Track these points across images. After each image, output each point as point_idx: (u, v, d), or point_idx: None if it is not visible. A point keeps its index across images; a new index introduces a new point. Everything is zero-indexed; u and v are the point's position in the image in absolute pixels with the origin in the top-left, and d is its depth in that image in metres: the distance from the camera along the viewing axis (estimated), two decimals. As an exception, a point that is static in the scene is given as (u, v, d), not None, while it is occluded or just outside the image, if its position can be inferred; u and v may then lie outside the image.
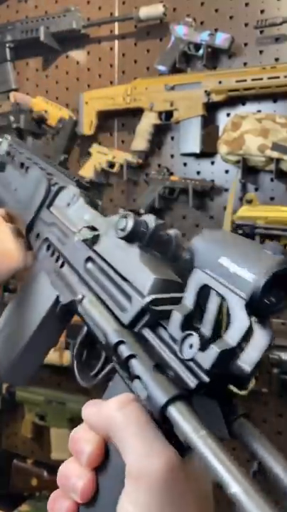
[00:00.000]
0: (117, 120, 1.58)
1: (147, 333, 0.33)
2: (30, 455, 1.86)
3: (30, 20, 1.67)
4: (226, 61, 1.38)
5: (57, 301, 0.45)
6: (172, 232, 0.40)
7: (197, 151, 1.37)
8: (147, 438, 0.28)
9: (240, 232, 1.29)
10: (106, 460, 0.31)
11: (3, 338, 0.53)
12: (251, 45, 1.35)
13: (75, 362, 0.41)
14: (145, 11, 1.43)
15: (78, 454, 0.32)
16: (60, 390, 1.72)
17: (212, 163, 1.43)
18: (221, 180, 1.41)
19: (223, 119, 1.39)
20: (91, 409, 0.33)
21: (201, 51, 1.36)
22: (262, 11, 1.33)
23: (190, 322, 0.30)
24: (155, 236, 0.38)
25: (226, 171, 1.40)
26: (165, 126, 1.47)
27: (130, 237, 0.37)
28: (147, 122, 1.44)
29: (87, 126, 1.56)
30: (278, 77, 1.23)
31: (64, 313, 0.45)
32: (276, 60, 1.31)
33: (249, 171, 1.32)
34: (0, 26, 1.73)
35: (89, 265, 0.42)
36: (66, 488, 0.32)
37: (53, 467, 1.73)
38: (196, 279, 0.30)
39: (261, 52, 1.34)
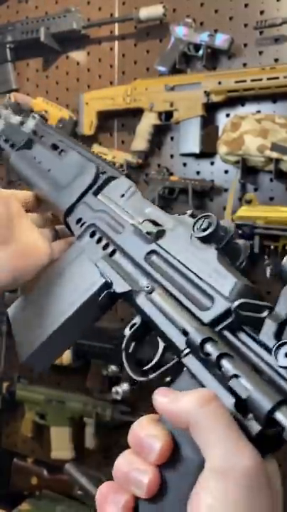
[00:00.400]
0: (117, 120, 1.59)
1: (228, 335, 0.33)
2: (31, 454, 1.87)
3: (30, 21, 1.67)
4: (225, 62, 1.39)
5: (102, 288, 0.44)
6: (241, 242, 0.39)
7: (197, 151, 1.38)
8: (233, 436, 0.29)
9: (240, 232, 1.29)
10: (173, 455, 0.31)
11: (25, 320, 0.52)
12: (251, 45, 1.35)
13: (125, 355, 0.41)
14: (145, 12, 1.44)
15: (144, 449, 0.32)
16: (60, 389, 1.72)
17: (212, 163, 1.43)
18: (221, 180, 1.42)
19: (222, 119, 1.40)
20: (167, 401, 0.32)
21: (201, 52, 1.37)
22: (262, 12, 1.33)
23: (283, 331, 0.30)
24: (231, 243, 0.38)
25: (226, 171, 1.41)
26: (165, 127, 1.47)
27: (208, 238, 0.37)
28: (147, 122, 1.45)
29: (87, 126, 1.56)
30: (277, 78, 1.24)
31: (107, 302, 0.45)
32: (276, 60, 1.32)
33: (249, 171, 1.32)
34: (0, 27, 1.74)
35: (154, 258, 0.41)
36: (126, 482, 0.32)
37: (53, 466, 1.74)
38: None
39: (260, 52, 1.35)
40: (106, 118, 1.58)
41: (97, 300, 0.45)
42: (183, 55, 1.40)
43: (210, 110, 1.39)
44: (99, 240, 0.47)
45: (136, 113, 1.49)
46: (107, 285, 0.44)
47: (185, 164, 1.48)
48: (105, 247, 0.46)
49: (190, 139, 1.38)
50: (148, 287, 0.40)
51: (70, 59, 1.68)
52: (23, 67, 1.79)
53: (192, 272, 0.37)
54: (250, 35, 1.35)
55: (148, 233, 0.42)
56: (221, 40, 1.33)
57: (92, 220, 0.49)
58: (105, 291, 0.44)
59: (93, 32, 1.61)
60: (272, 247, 1.28)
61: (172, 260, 0.39)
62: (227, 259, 0.38)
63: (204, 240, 0.37)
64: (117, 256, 0.45)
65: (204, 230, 0.37)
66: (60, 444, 1.68)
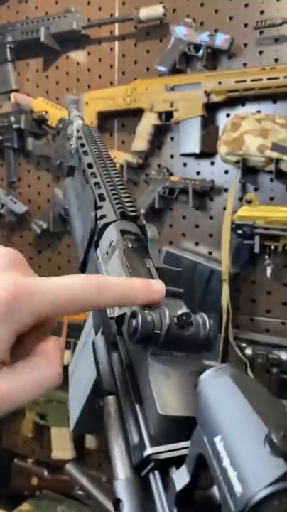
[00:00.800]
0: (117, 120, 1.59)
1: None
2: (31, 454, 1.87)
3: (30, 21, 1.67)
4: (225, 62, 1.39)
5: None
6: (200, 319, 0.31)
7: (197, 151, 1.38)
8: None
9: (239, 232, 1.29)
10: None
11: (74, 382, 0.49)
12: (251, 45, 1.35)
13: None
14: (145, 12, 1.44)
15: None
16: (60, 389, 1.72)
17: (212, 163, 1.43)
18: (221, 180, 1.42)
19: (223, 119, 1.39)
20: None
21: (201, 52, 1.37)
22: (262, 12, 1.33)
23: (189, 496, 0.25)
24: (172, 336, 0.29)
25: (226, 171, 1.41)
26: (165, 127, 1.47)
27: (141, 342, 0.30)
28: (147, 123, 1.45)
29: (87, 126, 1.56)
30: (277, 78, 1.24)
31: None
32: (276, 60, 1.32)
33: (249, 171, 1.32)
34: (0, 27, 1.74)
35: (114, 356, 0.34)
36: None
37: (54, 466, 1.74)
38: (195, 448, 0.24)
39: (260, 52, 1.34)
40: (106, 118, 1.58)
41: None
42: (183, 55, 1.40)
43: (210, 110, 1.39)
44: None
45: (136, 113, 1.48)
46: None
47: (185, 164, 1.48)
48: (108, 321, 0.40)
49: (190, 139, 1.38)
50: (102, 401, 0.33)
51: (70, 59, 1.68)
52: (23, 67, 1.79)
53: (130, 392, 0.30)
54: (250, 35, 1.35)
55: (112, 318, 0.35)
56: (221, 40, 1.33)
57: None
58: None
59: (93, 32, 1.61)
60: (272, 247, 1.28)
61: (125, 366, 0.32)
62: (175, 357, 0.30)
63: (138, 343, 0.30)
64: (102, 338, 0.38)
65: (134, 332, 0.29)
66: (61, 445, 1.68)
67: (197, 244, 1.47)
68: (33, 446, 1.87)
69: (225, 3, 1.38)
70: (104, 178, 0.51)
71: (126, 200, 0.47)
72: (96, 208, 0.47)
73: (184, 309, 0.30)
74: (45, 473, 1.78)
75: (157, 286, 0.32)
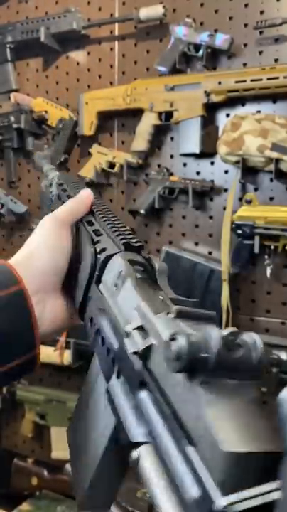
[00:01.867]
0: (117, 120, 1.59)
1: None
2: (31, 454, 1.87)
3: (30, 21, 1.67)
4: (225, 62, 1.39)
5: (116, 430, 0.33)
6: (249, 339, 0.26)
7: (197, 151, 1.38)
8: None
9: (239, 232, 1.29)
10: None
11: (78, 445, 0.41)
12: (251, 45, 1.35)
13: None
14: (145, 12, 1.44)
15: None
16: (60, 389, 1.73)
17: (212, 163, 1.43)
18: (221, 180, 1.42)
19: (223, 119, 1.39)
20: None
21: (201, 52, 1.37)
22: (262, 12, 1.33)
23: None
24: (223, 360, 0.25)
25: (226, 172, 1.41)
26: (165, 127, 1.47)
27: (187, 370, 0.25)
28: (147, 123, 1.45)
29: (87, 126, 1.56)
30: (277, 78, 1.24)
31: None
32: (276, 60, 1.32)
33: (249, 171, 1.32)
34: (0, 27, 1.74)
35: (143, 395, 0.29)
36: None
37: (54, 466, 1.74)
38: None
39: (260, 52, 1.34)
40: (106, 118, 1.58)
41: (118, 444, 0.33)
42: (183, 55, 1.40)
43: (210, 110, 1.39)
44: (107, 352, 0.36)
45: (136, 113, 1.49)
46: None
47: (185, 164, 1.48)
48: (113, 362, 0.35)
49: (190, 139, 1.38)
50: (136, 453, 0.28)
51: (70, 59, 1.68)
52: (23, 67, 1.79)
53: (182, 425, 0.25)
54: (250, 35, 1.35)
55: (135, 352, 0.30)
56: (221, 40, 1.33)
57: (98, 324, 0.39)
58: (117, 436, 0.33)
59: (93, 32, 1.61)
60: (272, 247, 1.29)
61: (160, 400, 0.28)
62: (228, 385, 0.25)
63: (184, 371, 0.25)
64: (120, 382, 0.33)
65: (177, 358, 0.25)
66: (60, 444, 1.68)
67: (196, 244, 1.47)
68: (33, 446, 1.87)
69: (225, 3, 1.38)
70: (96, 215, 0.50)
71: (126, 232, 0.45)
72: (94, 242, 0.45)
73: (230, 328, 0.26)
74: (45, 473, 1.78)
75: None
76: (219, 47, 1.34)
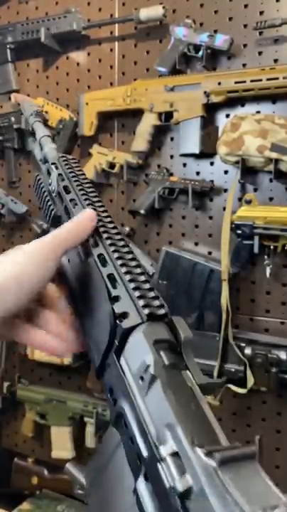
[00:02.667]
0: (117, 121, 1.59)
1: None
2: (31, 454, 1.87)
3: (30, 22, 1.67)
4: (225, 62, 1.39)
5: None
6: None
7: (197, 151, 1.38)
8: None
9: (239, 232, 1.30)
10: None
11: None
12: (251, 46, 1.36)
13: None
14: (145, 13, 1.44)
15: None
16: (61, 389, 1.73)
17: (212, 163, 1.44)
18: (221, 180, 1.42)
19: (222, 120, 1.40)
20: None
21: (200, 52, 1.37)
22: (261, 13, 1.33)
23: None
24: None
25: (226, 172, 1.41)
26: (164, 127, 1.48)
27: None
28: (147, 123, 1.45)
29: (88, 127, 1.57)
30: (277, 79, 1.24)
31: None
32: (275, 61, 1.32)
33: (248, 172, 1.32)
34: (1, 27, 1.74)
35: None
36: None
37: (54, 466, 1.74)
38: None
39: (260, 53, 1.35)
40: (106, 118, 1.58)
41: None
42: (183, 55, 1.40)
43: (210, 111, 1.39)
44: (132, 440, 0.33)
45: (136, 113, 1.49)
46: None
47: (184, 165, 1.48)
48: (139, 458, 0.32)
49: (190, 139, 1.38)
50: None
51: (70, 59, 1.69)
52: (23, 68, 1.79)
53: None
54: (250, 35, 1.35)
55: (173, 488, 0.28)
56: (220, 41, 1.34)
57: (121, 407, 0.35)
58: None
59: (93, 33, 1.61)
60: (272, 247, 1.29)
61: None
62: None
63: None
64: (147, 486, 0.31)
65: None
66: (61, 444, 1.69)
67: (196, 244, 1.47)
68: (33, 445, 1.87)
69: (225, 3, 1.38)
70: (108, 248, 0.41)
71: (146, 287, 0.38)
72: (111, 298, 0.38)
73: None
74: (45, 472, 1.79)
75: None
76: (218, 47, 1.34)
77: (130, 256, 0.41)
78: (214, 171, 1.43)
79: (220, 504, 0.25)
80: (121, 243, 0.42)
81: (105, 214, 0.45)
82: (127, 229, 1.55)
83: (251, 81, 1.27)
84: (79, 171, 0.51)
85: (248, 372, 1.29)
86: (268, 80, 1.25)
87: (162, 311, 0.36)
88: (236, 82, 1.29)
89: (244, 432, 1.42)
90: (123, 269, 0.39)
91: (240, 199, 1.35)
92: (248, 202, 1.29)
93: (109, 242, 0.42)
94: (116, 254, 0.41)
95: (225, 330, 1.32)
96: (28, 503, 1.74)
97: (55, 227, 0.46)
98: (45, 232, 1.71)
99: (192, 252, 1.45)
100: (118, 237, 0.43)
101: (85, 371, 1.60)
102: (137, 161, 1.50)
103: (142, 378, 0.33)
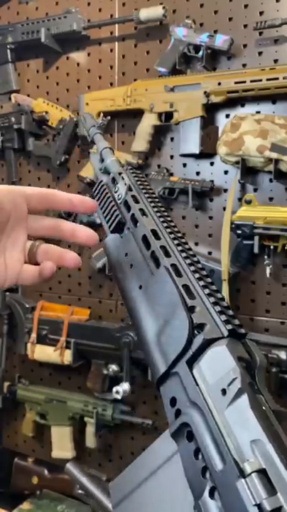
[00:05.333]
0: (117, 121, 1.59)
1: None
2: (31, 454, 1.87)
3: (31, 22, 1.68)
4: (225, 62, 1.39)
5: None
6: None
7: (197, 151, 1.38)
8: None
9: (239, 232, 1.30)
10: None
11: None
12: (251, 46, 1.36)
13: None
14: (145, 13, 1.44)
15: None
16: (61, 389, 1.73)
17: (212, 163, 1.44)
18: (221, 180, 1.42)
19: (222, 120, 1.40)
20: None
21: (200, 52, 1.37)
22: (261, 13, 1.34)
23: None
24: None
25: (226, 172, 1.41)
26: (165, 127, 1.48)
27: None
28: (147, 123, 1.45)
29: (88, 127, 1.57)
30: (277, 79, 1.24)
31: None
32: (275, 61, 1.32)
33: (248, 172, 1.33)
34: (1, 28, 1.75)
35: None
36: None
37: (54, 466, 1.75)
38: None
39: (260, 53, 1.35)
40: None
41: None
42: (183, 55, 1.41)
43: (210, 111, 1.39)
44: (196, 454, 0.32)
45: (136, 114, 1.49)
46: None
47: (184, 165, 1.49)
48: (203, 473, 0.31)
49: (190, 139, 1.39)
50: None
51: (71, 60, 1.69)
52: (23, 68, 1.79)
53: None
54: (250, 35, 1.35)
55: (258, 506, 0.27)
56: (220, 41, 1.34)
57: (188, 418, 0.34)
58: None
59: (93, 33, 1.61)
60: (272, 247, 1.29)
61: None
62: None
63: None
64: (215, 504, 0.30)
65: None
66: (61, 444, 1.69)
67: (196, 244, 1.47)
68: (34, 445, 1.87)
69: (225, 4, 1.38)
70: (183, 260, 0.41)
71: (225, 304, 0.38)
72: (188, 308, 0.37)
73: None
74: (46, 472, 1.79)
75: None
76: (218, 48, 1.34)
77: (204, 272, 0.41)
78: (214, 171, 1.44)
79: None
80: (195, 258, 0.42)
81: (175, 227, 0.45)
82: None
83: (251, 81, 1.27)
84: (147, 184, 0.52)
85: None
86: (268, 80, 1.25)
87: (242, 331, 0.36)
88: (236, 82, 1.29)
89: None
90: (201, 283, 0.39)
91: (240, 199, 1.35)
92: (248, 202, 1.29)
93: (183, 254, 0.42)
94: (192, 268, 0.40)
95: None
96: (28, 503, 1.74)
97: (118, 233, 0.48)
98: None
99: (192, 252, 1.45)
100: (191, 252, 0.43)
101: (85, 371, 1.60)
102: (137, 161, 1.50)
103: (224, 391, 0.32)
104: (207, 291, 0.38)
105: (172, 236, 0.44)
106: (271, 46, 1.33)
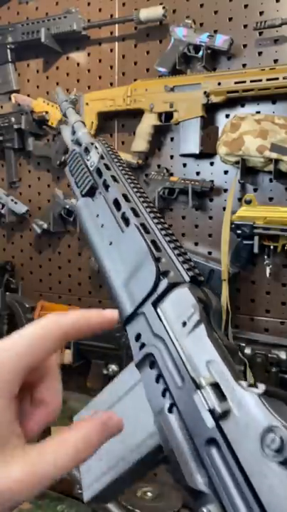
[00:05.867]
0: (117, 121, 1.59)
1: None
2: (31, 454, 1.87)
3: (31, 22, 1.68)
4: (225, 62, 1.39)
5: (156, 451, 0.36)
6: None
7: (197, 151, 1.38)
8: None
9: (239, 232, 1.30)
10: None
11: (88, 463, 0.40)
12: (250, 46, 1.36)
13: None
14: (145, 13, 1.44)
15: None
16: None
17: (212, 163, 1.44)
18: (221, 180, 1.42)
19: (222, 120, 1.40)
20: None
21: (200, 53, 1.37)
22: (261, 13, 1.34)
23: None
24: None
25: (226, 172, 1.42)
26: (164, 127, 1.48)
27: (282, 462, 0.27)
28: (147, 123, 1.45)
29: (88, 127, 1.56)
30: (277, 79, 1.24)
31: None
32: (275, 61, 1.32)
33: (248, 172, 1.33)
34: (1, 28, 1.75)
35: (213, 451, 0.31)
36: None
37: (54, 465, 1.75)
38: None
39: (260, 53, 1.35)
40: (106, 119, 1.58)
41: (157, 458, 0.37)
42: (183, 55, 1.41)
43: (210, 111, 1.39)
44: (157, 379, 0.37)
45: (136, 114, 1.49)
46: (160, 449, 0.36)
47: (184, 165, 1.49)
48: (163, 394, 0.36)
49: (190, 139, 1.39)
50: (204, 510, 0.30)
51: (71, 60, 1.69)
52: (23, 68, 1.79)
53: (257, 497, 0.28)
54: (250, 35, 1.35)
55: (211, 411, 0.31)
56: (220, 41, 1.34)
57: (151, 349, 0.39)
58: (159, 455, 0.36)
59: (93, 33, 1.61)
60: (272, 247, 1.29)
61: (233, 465, 0.29)
62: None
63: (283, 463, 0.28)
64: (173, 416, 0.35)
65: (278, 450, 0.27)
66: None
67: (196, 244, 1.48)
68: (34, 445, 1.87)
69: (225, 4, 1.38)
70: (151, 220, 0.46)
71: (187, 256, 0.43)
72: (155, 258, 0.41)
73: None
74: (46, 472, 1.79)
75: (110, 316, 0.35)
76: (218, 48, 1.34)
77: (170, 231, 0.46)
78: (214, 171, 1.44)
79: (262, 417, 0.29)
80: (162, 219, 0.47)
81: (144, 193, 0.50)
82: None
83: (251, 81, 1.27)
84: (118, 155, 0.56)
85: (248, 372, 1.29)
86: (268, 80, 1.25)
87: (202, 278, 0.41)
88: (236, 83, 1.29)
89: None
90: (167, 238, 0.44)
91: (240, 199, 1.35)
92: (248, 202, 1.29)
93: (152, 215, 0.46)
94: (159, 226, 0.45)
95: (225, 330, 1.32)
96: (28, 503, 1.74)
97: (90, 197, 0.52)
98: (44, 231, 1.71)
99: (192, 252, 1.45)
100: (159, 214, 0.47)
101: (85, 371, 1.60)
102: (137, 161, 1.50)
103: (184, 323, 0.37)
104: (172, 245, 0.43)
105: (141, 200, 0.48)
106: (271, 46, 1.33)
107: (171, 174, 1.48)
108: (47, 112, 1.67)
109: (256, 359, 1.28)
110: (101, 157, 0.53)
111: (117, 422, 0.32)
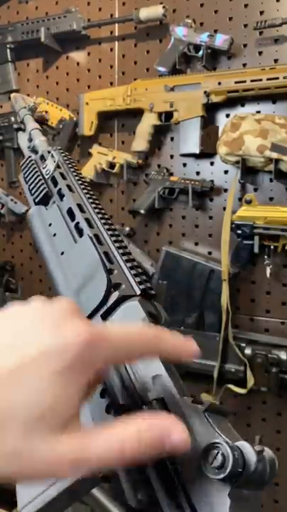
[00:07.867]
0: (117, 121, 1.59)
1: None
2: (31, 454, 1.87)
3: (30, 22, 1.67)
4: (225, 62, 1.39)
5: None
6: (267, 455, 0.30)
7: (197, 151, 1.38)
8: None
9: (239, 232, 1.30)
10: None
11: None
12: (251, 46, 1.36)
13: None
14: (145, 13, 1.44)
15: None
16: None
17: (212, 163, 1.43)
18: (221, 180, 1.42)
19: (222, 119, 1.40)
20: None
21: (201, 52, 1.37)
22: (261, 12, 1.33)
23: None
24: (253, 476, 0.29)
25: (226, 172, 1.41)
26: (165, 127, 1.48)
27: (225, 480, 0.28)
28: (147, 123, 1.45)
29: (88, 126, 1.57)
30: (277, 78, 1.24)
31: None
32: (275, 61, 1.32)
33: (248, 172, 1.32)
34: (1, 27, 1.74)
35: (156, 467, 0.31)
36: None
37: (54, 466, 1.74)
38: None
39: (260, 53, 1.35)
40: (106, 118, 1.58)
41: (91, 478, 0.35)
42: (183, 55, 1.40)
43: (210, 110, 1.39)
44: (102, 394, 0.35)
45: (136, 113, 1.49)
46: None
47: (185, 164, 1.48)
48: (108, 410, 0.35)
49: (190, 139, 1.38)
50: None
51: (70, 59, 1.69)
52: (23, 68, 1.79)
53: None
54: (250, 35, 1.35)
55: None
56: (221, 41, 1.34)
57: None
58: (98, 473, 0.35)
59: (93, 32, 1.61)
60: (272, 247, 1.29)
61: (177, 487, 0.30)
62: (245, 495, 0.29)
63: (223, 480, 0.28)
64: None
65: (219, 467, 0.28)
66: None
67: (196, 244, 1.47)
68: (33, 445, 1.87)
69: (225, 3, 1.38)
70: (105, 232, 0.45)
71: (140, 270, 0.42)
72: (107, 270, 0.41)
73: (257, 444, 0.29)
74: (45, 472, 1.79)
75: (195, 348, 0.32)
76: (218, 47, 1.34)
77: (124, 243, 0.45)
78: (214, 171, 1.43)
79: (205, 433, 0.29)
80: (117, 232, 0.46)
81: (99, 205, 0.50)
82: (127, 229, 1.55)
83: (251, 81, 1.27)
84: (74, 164, 0.55)
85: (249, 373, 1.28)
86: (268, 79, 1.25)
87: (153, 292, 0.40)
88: (236, 82, 1.29)
89: (244, 431, 1.42)
90: (120, 251, 0.43)
91: (240, 199, 1.35)
92: (249, 202, 1.29)
93: (106, 227, 0.46)
94: (113, 238, 0.45)
95: (225, 330, 1.32)
96: (28, 503, 1.74)
97: (44, 205, 0.51)
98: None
99: (192, 252, 1.45)
100: (113, 226, 0.47)
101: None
102: (137, 160, 1.50)
103: None
104: (125, 258, 0.43)
105: (96, 211, 0.48)
106: (271, 46, 1.33)
107: (171, 174, 1.48)
108: (47, 112, 1.67)
109: (256, 359, 1.28)
110: (58, 166, 0.52)
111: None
